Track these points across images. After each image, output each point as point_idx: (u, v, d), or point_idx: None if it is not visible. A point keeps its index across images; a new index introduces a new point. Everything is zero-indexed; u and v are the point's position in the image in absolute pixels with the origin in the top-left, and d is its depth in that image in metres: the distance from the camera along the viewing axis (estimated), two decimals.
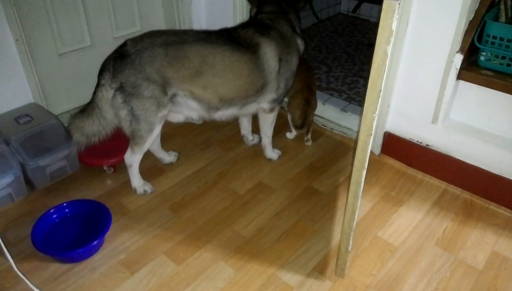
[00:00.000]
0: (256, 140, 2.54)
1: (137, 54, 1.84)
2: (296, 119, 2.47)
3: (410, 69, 2.15)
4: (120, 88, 1.86)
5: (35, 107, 2.29)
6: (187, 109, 2.05)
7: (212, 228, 1.99)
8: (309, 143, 2.54)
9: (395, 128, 2.36)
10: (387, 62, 1.17)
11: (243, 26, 2.14)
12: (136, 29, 2.87)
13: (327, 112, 2.73)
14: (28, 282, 1.59)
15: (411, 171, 2.36)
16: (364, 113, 1.28)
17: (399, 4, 1.07)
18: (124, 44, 1.90)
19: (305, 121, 2.45)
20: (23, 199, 2.11)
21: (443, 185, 2.26)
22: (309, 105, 2.45)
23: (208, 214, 2.07)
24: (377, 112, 1.27)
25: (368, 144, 1.34)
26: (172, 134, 2.60)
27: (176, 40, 1.90)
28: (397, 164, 2.41)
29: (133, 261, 1.83)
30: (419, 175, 2.33)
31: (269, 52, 2.03)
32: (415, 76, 2.15)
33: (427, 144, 2.27)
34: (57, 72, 2.51)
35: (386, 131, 2.39)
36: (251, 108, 2.17)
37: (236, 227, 2.00)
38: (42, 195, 2.15)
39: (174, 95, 1.95)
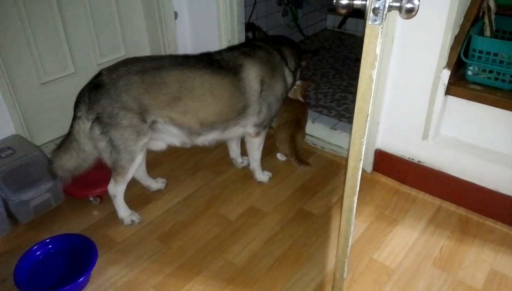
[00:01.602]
0: (245, 162, 2.49)
1: (112, 83, 1.80)
2: (282, 150, 2.50)
3: (398, 86, 2.13)
4: (97, 120, 1.81)
5: (17, 139, 2.22)
6: (168, 136, 2.00)
7: (203, 258, 1.93)
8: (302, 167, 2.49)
9: (386, 146, 2.33)
10: (373, 87, 1.13)
11: (230, 48, 2.12)
12: (121, 54, 2.83)
13: (317, 130, 2.70)
14: None
15: (405, 188, 2.32)
16: (352, 138, 1.24)
17: (382, 28, 1.04)
18: (99, 74, 1.86)
19: (292, 153, 2.44)
20: (6, 235, 2.03)
21: (437, 201, 2.22)
22: (294, 141, 2.44)
23: (199, 243, 2.01)
24: (365, 137, 1.23)
25: (358, 169, 1.29)
26: (160, 160, 2.54)
27: (152, 66, 1.86)
28: (390, 182, 2.37)
29: None
30: (413, 192, 2.29)
31: (251, 74, 2.00)
32: (403, 93, 2.13)
33: (419, 161, 2.24)
34: (40, 102, 2.45)
35: (377, 148, 2.35)
36: (234, 132, 2.13)
37: (227, 256, 1.93)
38: (26, 230, 2.08)
39: (153, 122, 1.90)
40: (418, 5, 1.05)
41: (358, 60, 3.94)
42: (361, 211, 2.17)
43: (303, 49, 2.41)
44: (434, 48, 1.91)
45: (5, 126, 2.22)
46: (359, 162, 1.27)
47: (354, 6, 1.10)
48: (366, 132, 1.22)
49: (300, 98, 2.56)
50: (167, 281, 1.82)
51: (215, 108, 1.98)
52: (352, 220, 1.41)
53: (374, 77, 1.12)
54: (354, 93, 3.34)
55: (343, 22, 4.51)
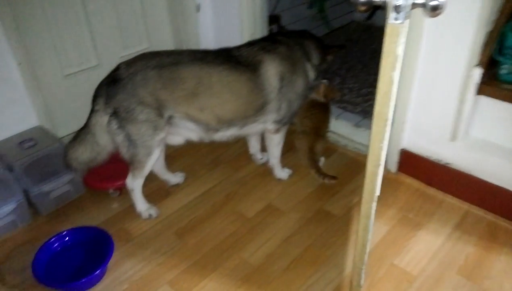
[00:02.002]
0: (265, 159, 2.45)
1: (129, 78, 1.79)
2: (301, 159, 2.37)
3: (426, 83, 2.02)
4: (115, 114, 1.81)
5: (39, 131, 2.26)
6: (185, 131, 1.98)
7: (219, 255, 1.91)
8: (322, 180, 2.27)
9: (412, 146, 2.23)
10: (394, 89, 1.06)
11: (250, 43, 2.07)
12: (144, 47, 2.83)
13: (340, 127, 2.62)
14: None
15: (430, 191, 2.22)
16: (371, 143, 1.18)
17: (404, 27, 0.97)
18: (117, 68, 1.85)
19: (312, 165, 2.26)
20: (27, 225, 2.07)
21: (465, 206, 2.12)
22: (313, 152, 2.30)
23: (215, 239, 1.99)
24: (385, 141, 1.16)
25: (377, 175, 1.23)
26: (179, 154, 2.53)
27: (170, 62, 1.84)
28: (415, 183, 2.27)
29: None
30: (439, 194, 2.19)
31: (271, 70, 1.95)
32: (431, 91, 2.03)
33: (446, 163, 2.13)
34: (63, 94, 2.48)
35: (403, 148, 2.26)
36: (253, 128, 2.09)
37: (243, 254, 1.91)
38: (47, 220, 2.11)
39: (170, 117, 1.88)
40: (445, 3, 0.97)
41: None
42: (384, 213, 2.09)
43: (328, 44, 2.32)
44: (465, 45, 1.80)
45: (28, 118, 2.26)
46: (377, 167, 1.21)
47: (374, 3, 1.03)
48: (385, 137, 1.15)
49: (321, 99, 2.45)
50: (182, 277, 1.81)
51: (233, 105, 1.94)
52: (370, 226, 1.35)
53: (395, 79, 1.05)
54: None
55: (371, 14, 4.36)
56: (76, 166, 1.97)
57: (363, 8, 1.04)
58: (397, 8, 0.95)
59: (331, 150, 2.55)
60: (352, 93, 3.20)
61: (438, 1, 0.96)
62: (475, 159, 2.02)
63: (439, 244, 1.93)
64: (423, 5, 0.98)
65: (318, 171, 2.23)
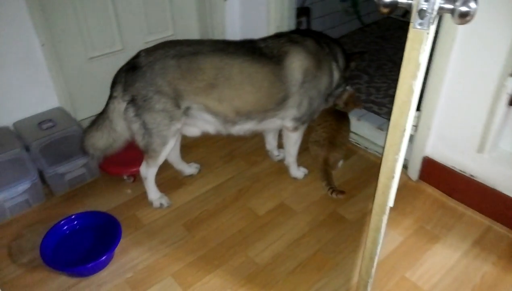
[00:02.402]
0: (281, 156, 2.39)
1: (148, 66, 1.76)
2: (316, 167, 2.27)
3: (456, 90, 1.91)
4: (132, 101, 1.79)
5: (59, 112, 2.28)
6: (202, 123, 1.95)
7: (225, 251, 1.88)
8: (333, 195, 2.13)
9: (436, 154, 2.13)
10: (413, 99, 0.99)
11: (277, 35, 2.02)
12: (169, 34, 2.81)
13: (362, 129, 2.53)
14: None
15: (451, 202, 2.12)
16: (385, 154, 1.11)
17: (427, 34, 0.90)
18: (137, 55, 1.83)
19: (323, 177, 2.15)
20: (40, 205, 2.11)
21: (486, 221, 2.01)
22: (327, 164, 2.19)
23: (223, 234, 1.96)
24: (400, 153, 1.09)
25: (390, 187, 1.16)
26: (196, 144, 2.51)
27: (190, 51, 1.80)
28: (436, 193, 2.17)
29: (139, 281, 1.75)
30: (460, 207, 2.09)
31: (296, 62, 1.89)
32: (460, 99, 1.92)
33: (471, 175, 2.02)
34: (85, 77, 2.49)
35: (426, 156, 2.16)
36: (272, 123, 2.03)
37: (250, 252, 1.87)
38: (60, 202, 2.14)
39: (187, 108, 1.86)
40: (475, 9, 0.88)
41: None
42: (400, 222, 2.01)
43: (350, 52, 2.24)
44: (500, 53, 1.68)
45: (49, 99, 2.28)
46: (391, 180, 1.15)
47: (399, 5, 0.96)
48: (401, 149, 1.08)
49: (341, 106, 2.30)
50: (187, 270, 1.80)
51: (253, 97, 1.89)
52: (379, 240, 1.29)
53: (416, 89, 0.98)
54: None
55: (408, 11, 4.19)
56: (93, 152, 1.97)
57: (385, 10, 0.97)
58: (421, 13, 0.88)
59: (351, 152, 2.47)
60: (379, 93, 3.09)
61: (469, 7, 0.88)
62: (502, 173, 1.91)
63: (455, 259, 1.84)
64: (451, 11, 0.90)
65: (329, 183, 2.12)
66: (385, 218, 1.24)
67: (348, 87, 2.30)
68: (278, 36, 2.01)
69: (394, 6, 0.95)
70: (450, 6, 0.89)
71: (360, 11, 4.00)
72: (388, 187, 1.16)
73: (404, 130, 1.04)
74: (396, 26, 4.21)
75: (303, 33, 2.05)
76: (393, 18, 4.39)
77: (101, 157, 1.99)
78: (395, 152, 1.09)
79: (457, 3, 0.88)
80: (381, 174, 1.15)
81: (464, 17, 0.89)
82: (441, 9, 0.89)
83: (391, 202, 1.24)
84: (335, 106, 2.31)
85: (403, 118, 1.03)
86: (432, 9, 0.87)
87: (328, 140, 2.20)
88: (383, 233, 1.28)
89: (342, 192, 2.10)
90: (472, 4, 0.88)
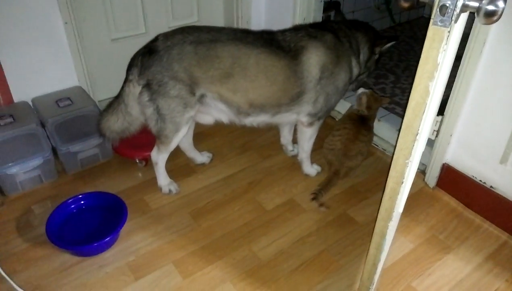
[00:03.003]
0: (296, 151, 2.34)
1: (165, 50, 1.74)
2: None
3: (482, 96, 1.82)
4: (147, 86, 1.77)
5: (78, 91, 2.30)
6: (216, 111, 1.92)
7: (229, 243, 1.86)
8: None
9: (456, 162, 2.04)
10: (429, 101, 0.93)
11: (295, 28, 1.96)
12: (193, 20, 2.79)
13: (382, 130, 2.45)
14: (11, 282, 1.61)
15: (468, 213, 2.03)
16: (394, 157, 1.05)
17: (449, 32, 0.83)
18: (156, 39, 1.80)
19: (321, 189, 2.06)
20: (52, 181, 2.13)
21: (503, 236, 1.91)
22: (336, 175, 2.11)
23: (229, 226, 1.94)
24: (411, 158, 1.03)
25: (398, 193, 1.10)
26: (210, 133, 2.49)
27: (209, 38, 1.76)
28: (453, 202, 2.09)
29: (140, 266, 1.75)
30: (477, 219, 2.00)
31: (313, 58, 1.83)
32: (486, 105, 1.82)
33: (491, 186, 1.93)
34: (107, 58, 2.50)
35: (445, 163, 2.07)
36: (286, 117, 1.99)
37: (254, 247, 1.84)
38: (71, 180, 2.16)
39: (202, 96, 1.83)
40: (503, 9, 0.82)
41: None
42: (412, 229, 1.94)
43: (383, 35, 2.14)
44: None
45: (69, 77, 2.30)
46: (399, 185, 1.09)
47: (420, 0, 0.90)
48: (413, 153, 1.02)
49: (364, 112, 2.21)
50: (188, 259, 1.78)
51: (267, 90, 1.85)
52: (384, 246, 1.23)
53: (432, 90, 0.92)
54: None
55: None
56: (109, 135, 1.98)
57: (406, 4, 0.91)
58: (442, 9, 0.82)
59: (368, 153, 2.39)
60: (404, 94, 3.00)
61: (496, 6, 0.81)
62: None
63: (466, 272, 1.76)
64: (476, 10, 0.83)
65: (321, 190, 2.04)
66: (391, 224, 1.18)
67: (361, 90, 2.22)
68: (296, 29, 1.94)
69: (414, 1, 0.88)
70: (475, 4, 0.83)
71: (393, 9, 3.88)
72: (396, 192, 1.10)
73: (417, 134, 0.98)
74: None
75: (322, 27, 1.96)
76: (426, 18, 4.24)
77: (117, 139, 1.99)
78: (406, 156, 1.03)
79: (484, 1, 0.82)
80: (389, 178, 1.09)
81: (490, 16, 0.83)
82: (465, 6, 0.83)
83: (400, 208, 1.18)
84: (357, 112, 2.24)
85: (416, 121, 0.97)
86: (455, 6, 0.80)
87: (342, 151, 2.11)
88: (389, 239, 1.23)
89: (323, 205, 2.02)
90: (500, 3, 0.81)
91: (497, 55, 1.70)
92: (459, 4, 0.81)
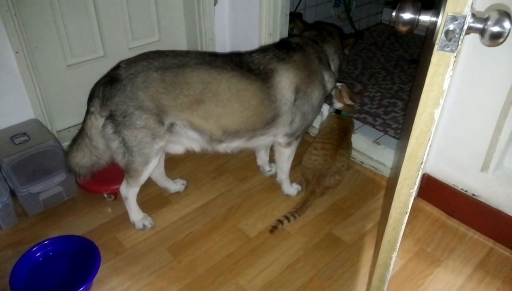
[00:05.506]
0: (273, 171, 2.26)
1: (129, 79, 1.61)
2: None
3: (460, 105, 1.81)
4: (110, 117, 1.64)
5: (35, 125, 2.10)
6: (187, 140, 1.81)
7: (214, 279, 1.74)
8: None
9: (437, 171, 2.03)
10: (433, 129, 0.87)
11: (262, 49, 1.87)
12: (154, 39, 2.66)
13: (358, 143, 2.41)
14: None
15: (452, 222, 2.02)
16: (398, 187, 0.99)
17: (455, 57, 0.77)
18: (117, 67, 1.67)
19: (296, 210, 2.02)
20: (12, 227, 1.93)
21: (489, 243, 1.91)
22: (312, 195, 2.06)
23: (211, 260, 1.82)
24: (415, 188, 0.97)
25: (402, 224, 1.04)
26: (181, 159, 2.35)
27: (176, 64, 1.65)
28: (436, 212, 2.07)
29: None
30: (462, 227, 1.99)
31: (284, 81, 1.76)
32: (464, 115, 1.82)
33: (473, 194, 1.93)
34: (64, 85, 2.32)
35: (426, 173, 2.06)
36: (262, 141, 1.90)
37: (240, 280, 1.73)
38: (34, 223, 1.96)
39: (171, 125, 1.71)
40: (509, 30, 0.76)
41: (413, 61, 3.57)
42: (400, 244, 1.89)
43: (349, 34, 2.13)
44: (508, 68, 1.58)
45: (23, 110, 2.10)
46: (403, 215, 1.02)
47: (420, 23, 0.84)
48: (417, 182, 0.96)
49: (348, 101, 2.22)
50: None
51: (241, 116, 1.75)
52: (387, 277, 1.16)
53: (437, 117, 0.86)
54: (404, 100, 3.02)
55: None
56: (79, 171, 1.82)
57: (404, 28, 0.85)
58: (448, 34, 0.75)
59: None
60: (373, 103, 2.99)
61: (502, 27, 0.76)
62: (506, 193, 1.81)
63: (458, 285, 1.73)
64: (480, 31, 0.78)
65: (293, 214, 1.98)
66: (394, 255, 1.12)
67: (339, 84, 2.21)
68: (263, 50, 1.85)
69: (414, 24, 0.82)
70: (479, 26, 0.78)
71: (353, 17, 3.90)
72: (400, 223, 1.04)
73: (422, 162, 0.92)
74: (389, 33, 4.12)
75: (289, 46, 1.87)
76: (384, 24, 4.31)
77: (87, 175, 1.83)
78: (410, 186, 0.97)
79: (489, 22, 0.77)
80: (393, 208, 1.03)
81: (496, 38, 0.78)
82: (469, 28, 0.77)
83: (400, 238, 1.12)
84: (338, 120, 2.22)
85: (421, 150, 0.91)
86: (461, 29, 0.75)
87: (319, 172, 2.05)
88: (391, 270, 1.16)
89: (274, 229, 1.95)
90: (507, 24, 0.76)
91: (473, 65, 1.70)
92: (465, 27, 0.75)
